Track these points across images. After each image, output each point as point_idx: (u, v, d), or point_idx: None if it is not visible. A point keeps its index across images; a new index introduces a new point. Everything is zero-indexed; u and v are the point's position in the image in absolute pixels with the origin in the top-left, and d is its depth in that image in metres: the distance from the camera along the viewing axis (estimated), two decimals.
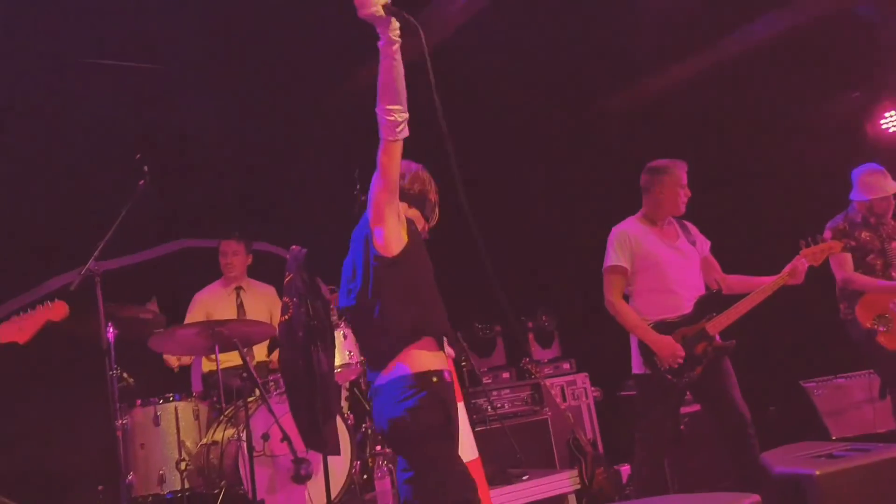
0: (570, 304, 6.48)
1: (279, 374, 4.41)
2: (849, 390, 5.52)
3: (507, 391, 5.67)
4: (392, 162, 2.56)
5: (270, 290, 5.39)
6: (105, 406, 4.25)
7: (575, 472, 4.92)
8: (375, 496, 4.44)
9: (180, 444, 4.50)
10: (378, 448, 4.73)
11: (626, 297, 4.12)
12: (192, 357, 5.22)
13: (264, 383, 4.49)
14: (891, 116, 5.93)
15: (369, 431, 5.03)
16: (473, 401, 5.41)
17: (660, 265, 4.05)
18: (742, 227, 6.03)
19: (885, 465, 2.78)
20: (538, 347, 6.32)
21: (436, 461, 2.55)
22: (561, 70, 6.18)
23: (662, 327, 3.95)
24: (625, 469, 5.18)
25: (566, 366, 6.14)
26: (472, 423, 4.92)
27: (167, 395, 4.59)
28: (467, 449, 3.23)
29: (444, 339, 2.74)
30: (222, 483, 4.18)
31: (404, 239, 2.66)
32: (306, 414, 3.67)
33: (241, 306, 5.28)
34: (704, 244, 4.26)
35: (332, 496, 3.85)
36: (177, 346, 4.59)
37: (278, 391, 4.41)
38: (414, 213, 2.87)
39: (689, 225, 4.27)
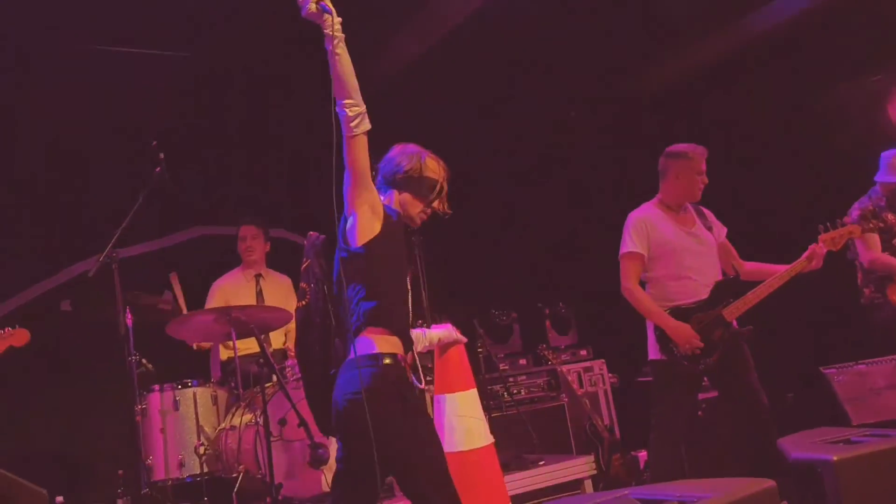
0: (588, 290, 6.46)
1: (296, 361, 4.44)
2: (870, 377, 5.44)
3: (524, 377, 5.68)
4: (355, 156, 2.60)
5: (287, 281, 5.40)
6: (125, 392, 4.30)
7: (591, 458, 4.92)
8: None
9: (199, 428, 4.55)
10: None
11: (643, 284, 4.09)
12: (211, 343, 5.26)
13: (281, 369, 4.52)
14: None
15: None
16: (490, 387, 5.41)
17: (676, 252, 4.02)
18: (762, 211, 5.98)
19: None
20: (555, 334, 6.31)
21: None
22: (579, 54, 6.14)
23: (678, 313, 3.93)
24: (642, 455, 5.17)
25: (583, 352, 6.13)
26: (489, 409, 4.92)
27: (186, 380, 4.64)
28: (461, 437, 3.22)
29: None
30: (240, 467, 4.22)
31: (375, 230, 2.67)
32: (322, 400, 3.69)
33: (260, 293, 5.29)
34: (721, 230, 4.22)
35: None
36: (194, 333, 4.61)
37: (295, 377, 4.44)
38: (405, 198, 2.82)
39: (706, 210, 4.24)
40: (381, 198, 2.80)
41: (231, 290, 5.29)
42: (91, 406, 5.18)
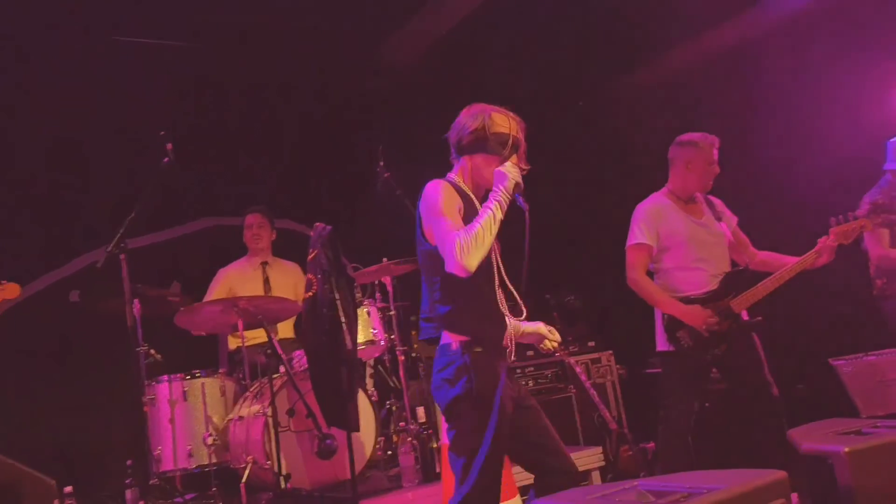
0: (596, 281, 6.43)
1: (303, 351, 4.44)
2: (880, 368, 5.41)
3: (532, 369, 5.66)
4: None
5: (296, 268, 5.39)
6: (133, 382, 4.31)
7: (599, 450, 4.91)
8: (400, 471, 4.46)
9: (207, 419, 4.56)
10: (402, 424, 4.75)
11: (651, 275, 4.06)
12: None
13: (289, 359, 4.52)
14: None
15: (393, 408, 5.05)
16: None
17: (685, 243, 3.98)
18: (772, 202, 5.93)
19: None
20: (563, 325, 6.29)
21: None
22: (588, 43, 6.11)
23: (687, 303, 3.90)
24: (650, 446, 5.16)
25: (591, 343, 6.11)
26: None
27: (194, 371, 4.64)
28: None
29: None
30: (249, 458, 4.23)
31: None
32: (328, 390, 3.69)
33: (266, 281, 5.29)
34: (731, 219, 4.17)
35: (357, 471, 3.88)
36: (202, 323, 4.62)
37: (303, 367, 4.44)
38: (477, 161, 2.76)
39: (715, 200, 4.18)
40: (452, 173, 2.79)
41: (237, 278, 5.29)
42: (99, 397, 5.19)
